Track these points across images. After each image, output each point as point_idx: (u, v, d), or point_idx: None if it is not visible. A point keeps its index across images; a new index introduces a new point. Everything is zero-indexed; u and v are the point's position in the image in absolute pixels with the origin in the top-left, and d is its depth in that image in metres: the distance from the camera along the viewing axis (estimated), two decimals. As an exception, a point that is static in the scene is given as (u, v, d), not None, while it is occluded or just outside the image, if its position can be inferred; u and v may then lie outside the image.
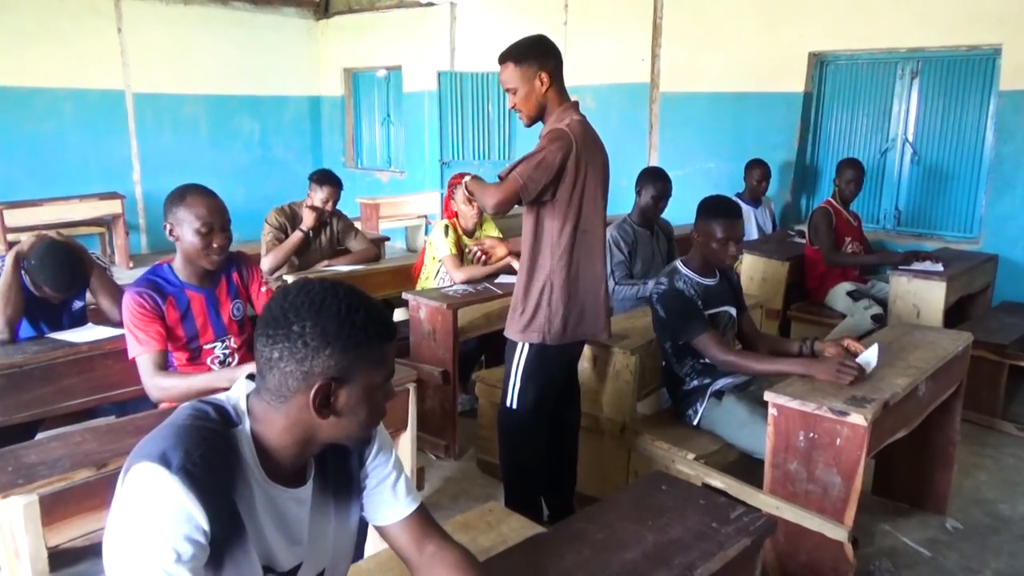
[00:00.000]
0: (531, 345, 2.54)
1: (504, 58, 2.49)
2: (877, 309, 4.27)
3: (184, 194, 2.36)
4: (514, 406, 2.60)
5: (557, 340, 2.52)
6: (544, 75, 2.44)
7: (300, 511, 1.28)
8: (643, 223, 3.94)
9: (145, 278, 2.43)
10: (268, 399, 1.20)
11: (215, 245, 2.38)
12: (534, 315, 2.52)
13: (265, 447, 1.21)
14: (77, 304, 2.99)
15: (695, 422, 2.83)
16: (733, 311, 2.89)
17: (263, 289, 2.66)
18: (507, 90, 2.52)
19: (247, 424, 1.20)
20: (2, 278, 2.68)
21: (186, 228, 2.34)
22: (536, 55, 2.45)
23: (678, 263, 2.86)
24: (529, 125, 2.56)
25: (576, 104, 2.54)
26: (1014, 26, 4.68)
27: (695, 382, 2.85)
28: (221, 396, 1.24)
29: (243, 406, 1.22)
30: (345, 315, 1.15)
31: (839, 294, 4.49)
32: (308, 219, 4.13)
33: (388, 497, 1.40)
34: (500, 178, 2.46)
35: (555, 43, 2.53)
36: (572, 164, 2.41)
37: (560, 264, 2.49)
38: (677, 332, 2.76)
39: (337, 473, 1.36)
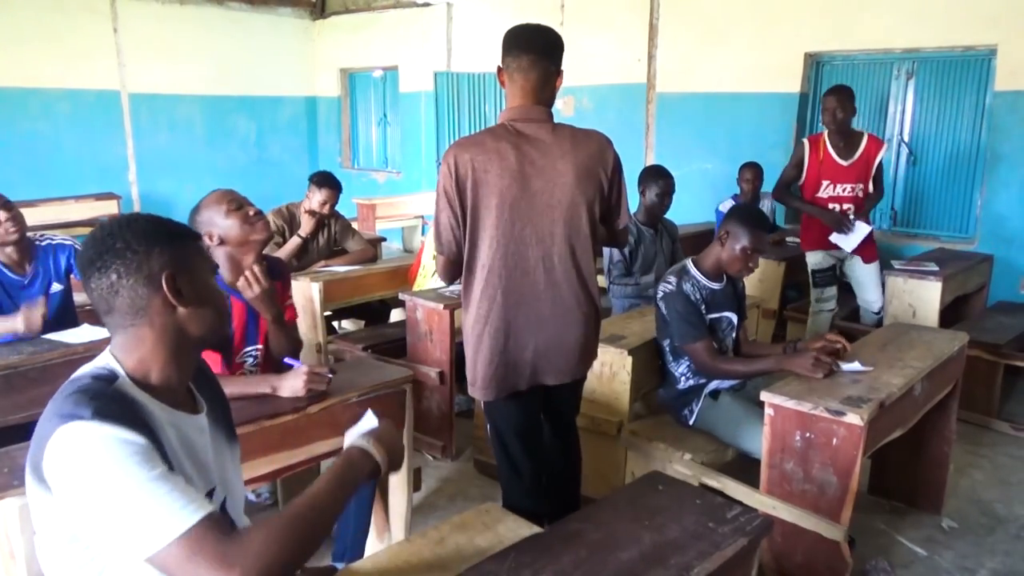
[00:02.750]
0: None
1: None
2: (832, 304, 4.23)
3: (202, 199, 2.30)
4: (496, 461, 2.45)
5: (487, 396, 2.28)
6: (501, 71, 2.21)
7: (202, 438, 1.35)
8: (648, 222, 3.93)
9: None
10: (128, 324, 1.25)
11: (251, 213, 2.29)
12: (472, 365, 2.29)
13: (148, 382, 1.26)
14: (56, 287, 2.98)
15: (691, 422, 2.83)
16: (735, 317, 2.88)
17: (288, 303, 2.55)
18: None
19: (123, 375, 1.24)
20: None
21: (217, 219, 2.26)
22: (502, 48, 2.19)
23: (688, 263, 2.86)
24: None
25: (519, 110, 2.17)
26: (1009, 27, 4.70)
27: (691, 381, 2.85)
28: (86, 368, 1.27)
29: (110, 363, 1.25)
30: (151, 221, 1.28)
31: (808, 268, 4.24)
32: (307, 225, 4.13)
33: None
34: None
35: (541, 38, 2.19)
36: (456, 192, 2.12)
37: (480, 307, 2.20)
38: (675, 334, 2.76)
39: (222, 413, 1.46)
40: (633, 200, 3.96)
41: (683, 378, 2.87)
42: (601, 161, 2.22)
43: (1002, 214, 4.88)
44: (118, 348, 1.27)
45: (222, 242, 2.26)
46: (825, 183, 4.08)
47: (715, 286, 2.82)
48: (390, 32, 8.64)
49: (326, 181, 4.18)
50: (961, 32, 4.91)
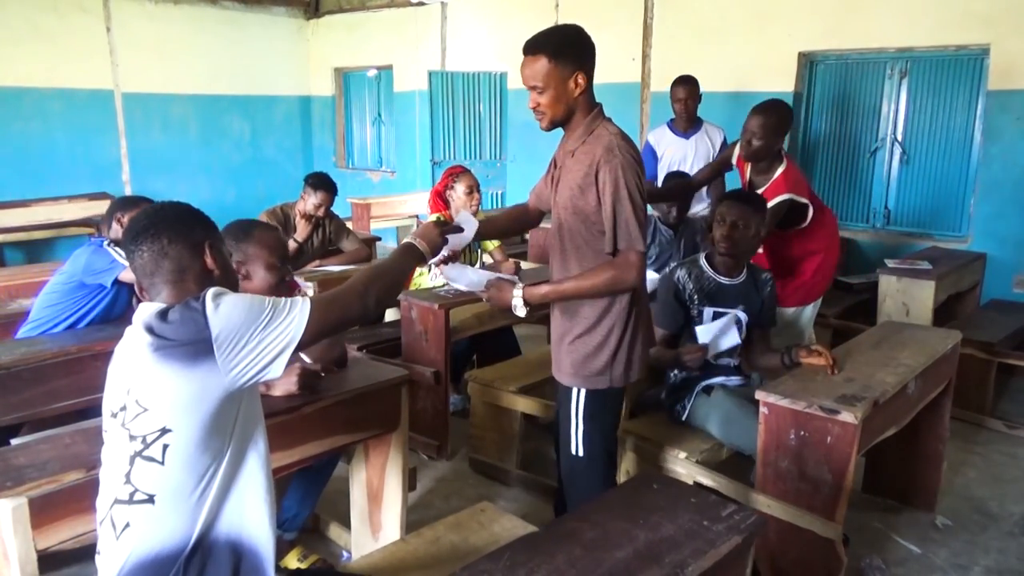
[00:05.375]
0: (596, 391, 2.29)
1: (536, 49, 2.10)
2: None
3: (255, 226, 2.23)
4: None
5: (640, 374, 2.34)
6: (581, 76, 2.10)
7: None
8: (666, 222, 3.92)
9: None
10: (174, 280, 1.51)
11: (285, 279, 2.23)
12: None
13: None
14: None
15: (683, 416, 2.83)
16: (744, 316, 2.83)
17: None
18: (531, 87, 2.13)
19: None
20: None
21: (257, 263, 2.17)
22: (577, 52, 2.11)
23: (701, 255, 2.88)
24: (549, 129, 2.20)
25: (601, 108, 2.21)
26: (1002, 26, 4.71)
27: (683, 374, 2.86)
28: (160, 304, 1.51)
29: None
30: (189, 206, 1.60)
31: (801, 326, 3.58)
32: (302, 231, 4.13)
33: None
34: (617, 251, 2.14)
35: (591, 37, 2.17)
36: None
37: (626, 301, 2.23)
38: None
39: None
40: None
41: (678, 370, 2.87)
42: None
43: (995, 213, 4.89)
44: (164, 302, 1.50)
45: (246, 277, 2.17)
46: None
47: (724, 280, 2.81)
48: (384, 31, 8.63)
49: (322, 184, 4.17)
50: (954, 32, 4.92)
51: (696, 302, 2.79)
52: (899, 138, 5.40)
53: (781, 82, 5.70)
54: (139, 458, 1.40)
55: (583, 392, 2.26)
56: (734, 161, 3.64)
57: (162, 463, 1.38)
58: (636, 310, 2.25)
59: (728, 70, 5.91)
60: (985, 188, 4.93)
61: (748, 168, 3.53)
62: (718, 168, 3.84)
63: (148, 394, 1.39)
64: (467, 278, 2.34)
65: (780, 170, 3.37)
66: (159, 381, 1.38)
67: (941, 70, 5.16)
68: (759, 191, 3.34)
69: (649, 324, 2.38)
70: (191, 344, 1.37)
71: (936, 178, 5.29)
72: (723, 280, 2.81)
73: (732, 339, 2.80)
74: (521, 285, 2.22)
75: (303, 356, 2.38)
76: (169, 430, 1.38)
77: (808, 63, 5.71)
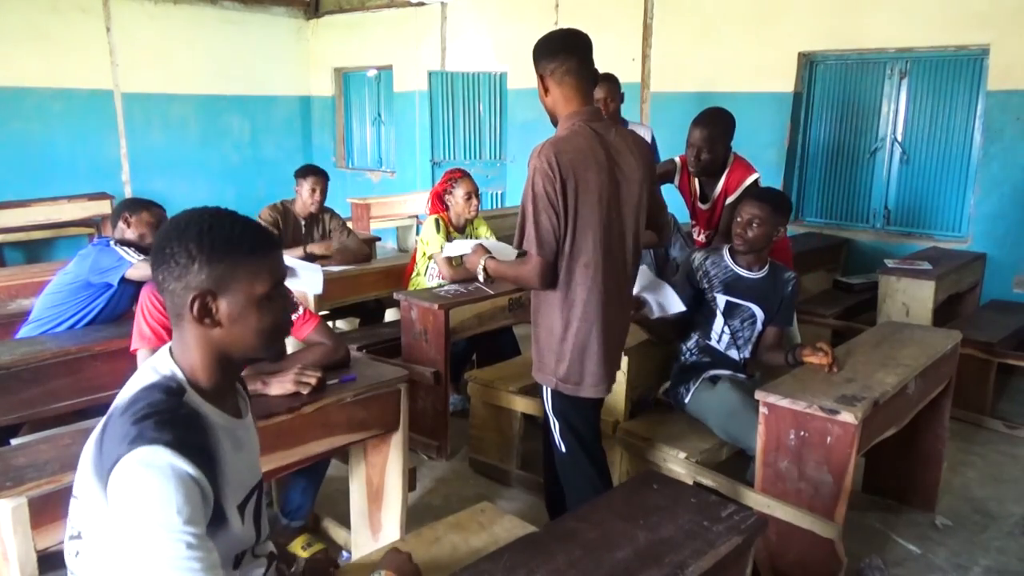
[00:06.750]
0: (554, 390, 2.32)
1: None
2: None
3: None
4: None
5: (601, 392, 2.31)
6: (541, 79, 2.23)
7: (250, 436, 1.41)
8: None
9: None
10: (176, 326, 1.28)
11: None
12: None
13: (204, 387, 1.28)
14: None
15: (685, 400, 2.84)
16: (760, 313, 2.82)
17: (297, 306, 2.43)
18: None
19: (187, 384, 1.26)
20: None
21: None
22: (538, 56, 2.23)
23: (725, 246, 2.89)
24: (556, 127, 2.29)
25: (586, 112, 2.21)
26: (1002, 26, 4.71)
27: (694, 358, 2.87)
28: (151, 374, 1.27)
29: (174, 370, 1.27)
30: (207, 231, 1.23)
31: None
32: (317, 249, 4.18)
33: None
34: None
35: (574, 39, 2.25)
36: (559, 192, 2.11)
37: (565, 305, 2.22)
38: None
39: (245, 397, 1.47)
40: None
41: (688, 352, 2.89)
42: (650, 159, 2.33)
43: (995, 213, 4.89)
44: (176, 346, 1.30)
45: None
46: None
47: (743, 272, 2.82)
48: (384, 31, 8.63)
49: (308, 170, 4.26)
50: (954, 32, 4.92)
51: (711, 287, 2.81)
52: (899, 138, 5.40)
53: (781, 82, 5.70)
54: (69, 539, 1.27)
55: (548, 390, 2.33)
56: (676, 180, 3.55)
57: (76, 558, 1.26)
58: (591, 324, 2.20)
59: (728, 70, 5.92)
60: (985, 188, 4.93)
61: (695, 181, 3.46)
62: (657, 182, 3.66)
63: (80, 486, 1.23)
64: (459, 247, 2.82)
65: (730, 162, 3.35)
66: (85, 480, 1.21)
67: (941, 70, 5.17)
68: (717, 190, 3.37)
69: (611, 344, 2.28)
70: (107, 476, 1.15)
71: (936, 178, 5.29)
72: (742, 272, 2.82)
73: (675, 306, 2.70)
74: (490, 256, 2.40)
75: (303, 357, 2.38)
76: (81, 538, 1.23)
77: (808, 63, 5.71)
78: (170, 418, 1.17)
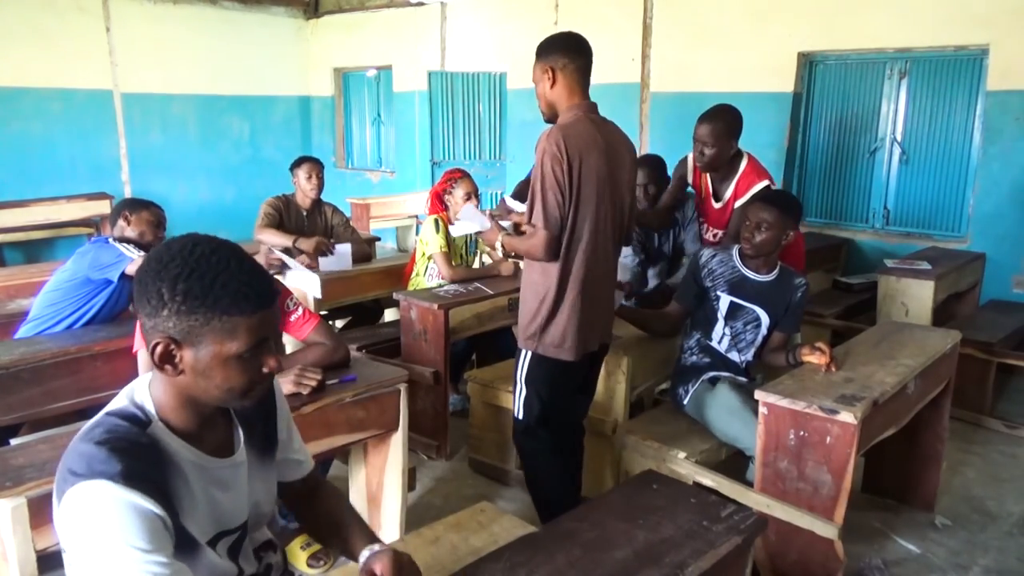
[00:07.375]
0: (534, 354, 2.50)
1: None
2: None
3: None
4: (519, 416, 2.57)
5: (573, 355, 2.47)
6: (552, 71, 2.41)
7: (237, 474, 1.33)
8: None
9: None
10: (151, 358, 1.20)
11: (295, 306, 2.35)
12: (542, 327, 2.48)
13: (174, 424, 1.23)
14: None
15: (684, 401, 2.84)
16: (765, 316, 2.81)
17: (296, 306, 2.46)
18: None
19: (155, 417, 1.22)
20: None
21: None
22: (550, 51, 2.43)
23: (736, 245, 2.88)
24: (548, 122, 2.49)
25: (586, 105, 2.44)
26: (1002, 27, 4.71)
27: (694, 358, 2.87)
28: (124, 400, 1.24)
29: (146, 401, 1.23)
30: (184, 277, 1.12)
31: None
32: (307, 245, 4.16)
33: (292, 455, 1.53)
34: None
35: (585, 43, 2.47)
36: (566, 172, 2.32)
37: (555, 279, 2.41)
38: None
39: (261, 425, 1.42)
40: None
41: (689, 352, 2.89)
42: (635, 156, 2.61)
43: (994, 213, 4.89)
44: (152, 377, 1.25)
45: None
46: None
47: (750, 274, 2.80)
48: (384, 31, 8.63)
49: (302, 159, 4.32)
50: (953, 32, 4.92)
51: (715, 286, 2.81)
52: (898, 138, 5.41)
53: (781, 82, 5.70)
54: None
55: (528, 355, 2.50)
56: (690, 178, 3.58)
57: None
58: (576, 292, 2.42)
59: (728, 70, 5.92)
60: (984, 188, 4.94)
61: (707, 179, 3.48)
62: (677, 188, 3.66)
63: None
64: (467, 226, 2.95)
65: (743, 165, 3.34)
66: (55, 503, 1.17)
67: (941, 70, 5.17)
68: (729, 192, 3.36)
69: (595, 311, 2.50)
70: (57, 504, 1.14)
71: (935, 178, 5.29)
72: (749, 274, 2.81)
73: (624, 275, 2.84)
74: (506, 233, 2.58)
75: (302, 357, 2.38)
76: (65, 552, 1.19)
77: (808, 63, 5.71)
78: (125, 447, 1.13)
